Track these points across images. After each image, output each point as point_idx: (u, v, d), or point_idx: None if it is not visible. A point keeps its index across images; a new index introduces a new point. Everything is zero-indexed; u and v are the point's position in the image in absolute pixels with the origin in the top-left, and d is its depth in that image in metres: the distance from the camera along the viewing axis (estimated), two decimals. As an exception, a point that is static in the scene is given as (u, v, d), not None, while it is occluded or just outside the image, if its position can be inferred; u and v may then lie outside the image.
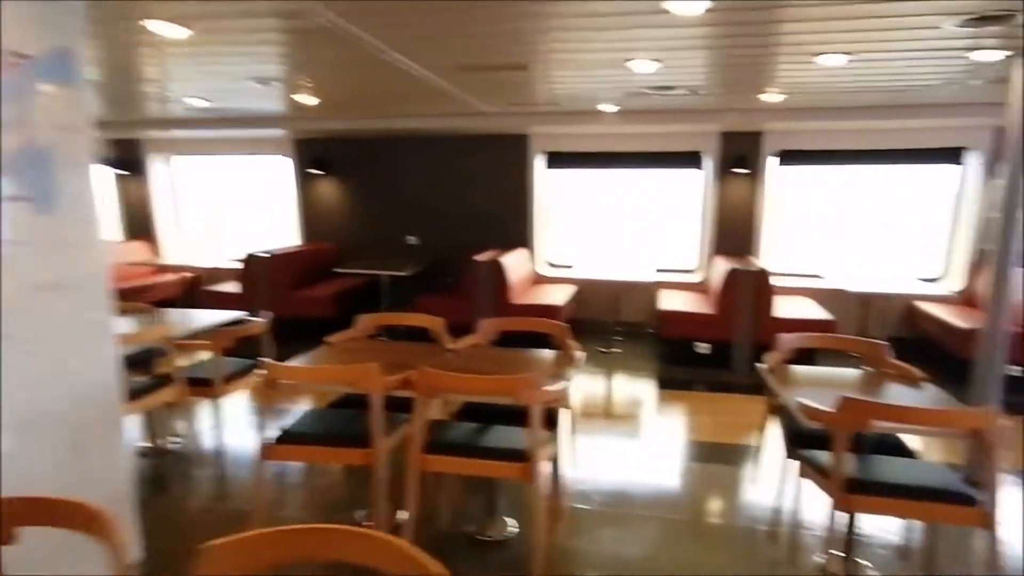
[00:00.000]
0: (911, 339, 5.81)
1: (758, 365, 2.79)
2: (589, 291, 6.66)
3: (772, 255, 6.49)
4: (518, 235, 6.99)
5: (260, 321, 3.81)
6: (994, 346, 3.30)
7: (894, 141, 5.90)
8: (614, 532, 2.91)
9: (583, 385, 5.24)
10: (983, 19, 2.62)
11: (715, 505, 3.25)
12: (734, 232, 6.44)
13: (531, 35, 3.15)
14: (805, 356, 3.04)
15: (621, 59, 3.55)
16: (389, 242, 7.32)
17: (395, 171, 7.20)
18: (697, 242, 6.78)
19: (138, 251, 7.76)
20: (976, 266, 5.84)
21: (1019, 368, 4.72)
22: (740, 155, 6.20)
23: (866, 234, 6.63)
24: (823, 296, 5.99)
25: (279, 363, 2.59)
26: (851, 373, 2.87)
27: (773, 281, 5.34)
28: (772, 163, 6.23)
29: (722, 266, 5.74)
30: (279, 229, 7.77)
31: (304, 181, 7.45)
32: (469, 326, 3.71)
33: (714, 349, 5.52)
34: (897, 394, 2.55)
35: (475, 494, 3.11)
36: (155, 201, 7.83)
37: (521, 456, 2.33)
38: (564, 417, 3.01)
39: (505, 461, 2.35)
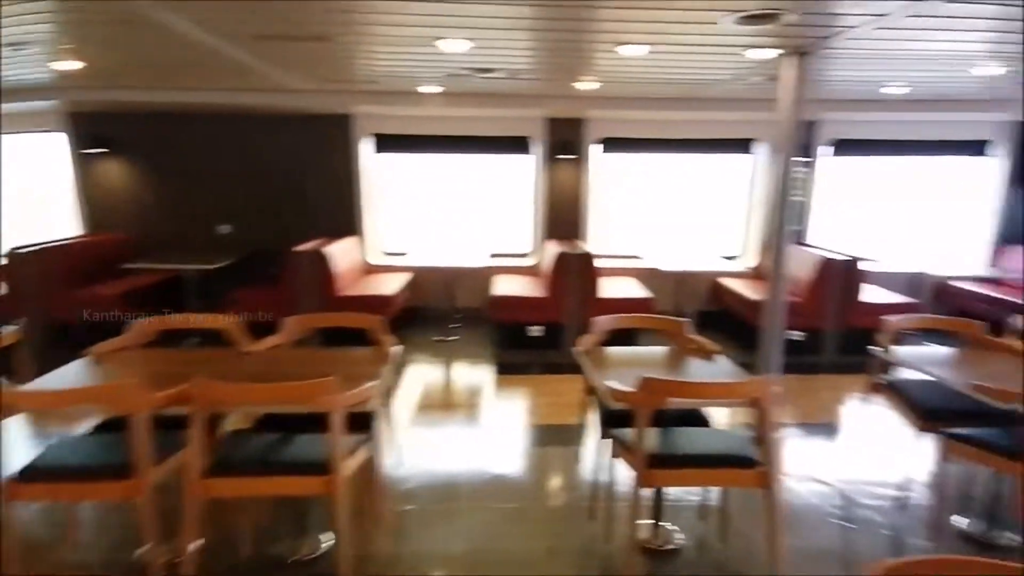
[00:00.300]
0: (716, 312, 6.44)
1: (574, 349, 2.82)
2: (425, 279, 6.49)
3: (599, 239, 6.80)
4: (347, 222, 6.59)
5: (10, 330, 3.13)
6: (775, 314, 3.69)
7: (698, 131, 6.43)
8: (441, 530, 2.80)
9: (422, 376, 5.08)
10: (754, 17, 2.84)
11: (543, 488, 3.29)
12: (563, 217, 6.63)
13: (330, 4, 2.86)
14: (626, 335, 3.14)
15: (431, 36, 3.39)
16: (197, 232, 6.53)
17: (201, 152, 6.41)
18: (530, 227, 6.90)
19: None
20: (767, 245, 6.61)
21: (799, 332, 5.41)
22: (566, 141, 6.37)
23: (678, 217, 7.20)
24: (643, 276, 6.39)
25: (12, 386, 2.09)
26: (658, 351, 3.02)
27: (598, 263, 5.57)
28: (595, 150, 6.49)
29: (553, 250, 5.88)
30: (56, 218, 6.60)
31: (82, 162, 6.36)
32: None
33: (547, 331, 5.65)
34: (695, 369, 2.72)
35: (284, 510, 2.82)
36: None
37: (322, 468, 2.11)
38: (388, 416, 2.85)
39: (303, 476, 2.12)
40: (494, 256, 6.53)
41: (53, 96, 5.49)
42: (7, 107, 5.76)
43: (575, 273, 5.50)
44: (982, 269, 6.37)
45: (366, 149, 6.54)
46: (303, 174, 6.49)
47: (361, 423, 2.38)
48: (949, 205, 6.91)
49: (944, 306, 6.09)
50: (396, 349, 2.85)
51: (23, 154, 6.67)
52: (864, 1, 2.62)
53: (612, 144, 6.52)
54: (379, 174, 6.81)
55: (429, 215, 7.16)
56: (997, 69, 4.00)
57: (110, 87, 5.28)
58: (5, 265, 5.28)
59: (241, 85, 5.21)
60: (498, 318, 5.71)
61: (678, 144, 6.56)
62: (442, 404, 4.54)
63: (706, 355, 2.79)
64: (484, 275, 6.34)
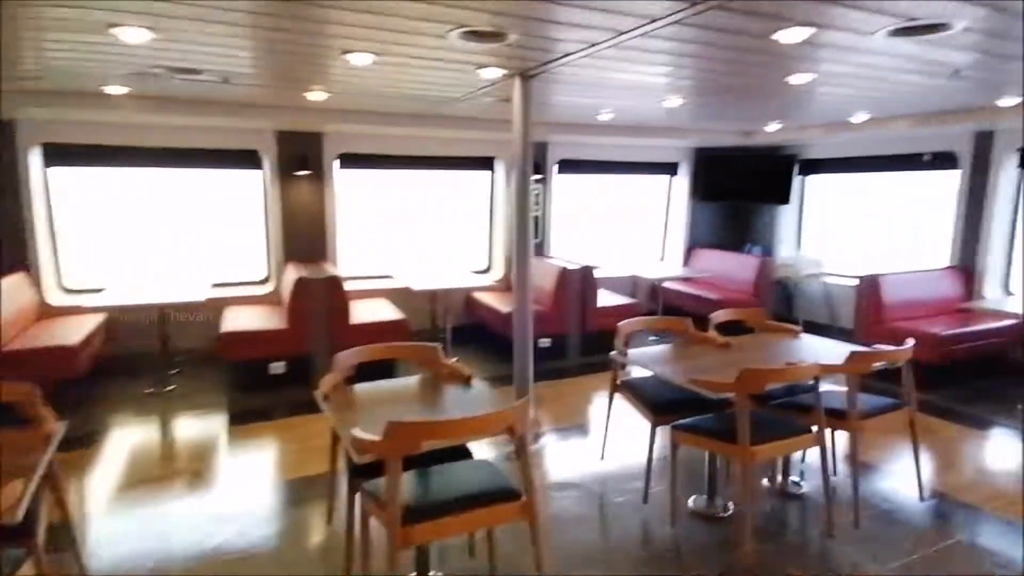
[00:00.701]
0: (472, 326, 6.51)
1: (315, 392, 2.43)
2: (129, 319, 5.31)
3: (347, 259, 6.37)
4: (12, 254, 5.09)
5: None
6: (523, 324, 3.74)
7: (440, 149, 6.44)
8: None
9: (125, 443, 4.08)
10: (479, 34, 2.80)
11: (291, 559, 2.80)
12: (303, 237, 6.06)
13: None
14: (380, 366, 2.83)
15: (103, 22, 2.69)
16: None
17: None
18: (263, 250, 6.17)
19: None
20: (511, 258, 6.92)
21: (546, 339, 5.71)
22: (302, 156, 5.83)
23: (427, 234, 7.15)
24: (396, 296, 6.15)
25: None
26: (412, 382, 2.78)
27: (347, 286, 5.17)
28: (335, 166, 6.07)
29: (292, 274, 5.30)
30: None
31: None
32: None
33: (291, 366, 5.04)
34: (451, 398, 2.54)
35: None
36: None
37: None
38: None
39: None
40: (218, 286, 5.67)
41: None
42: None
43: (320, 299, 5.02)
44: (679, 270, 7.53)
45: (33, 162, 5.14)
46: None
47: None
48: (654, 216, 8.08)
49: (656, 304, 7.03)
50: (57, 427, 2.14)
51: None
52: (578, 29, 2.75)
53: (351, 160, 6.17)
54: (61, 193, 5.42)
55: (133, 240, 5.94)
56: (677, 100, 4.69)
57: None
58: None
59: None
60: (231, 357, 4.93)
61: (420, 161, 6.49)
62: (157, 474, 3.67)
63: (463, 381, 2.64)
64: (208, 308, 5.42)
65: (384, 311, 5.67)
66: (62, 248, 5.53)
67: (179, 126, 5.40)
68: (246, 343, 4.89)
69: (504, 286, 6.69)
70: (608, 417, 3.64)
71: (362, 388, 2.61)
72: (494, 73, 3.60)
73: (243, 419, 4.48)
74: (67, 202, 5.52)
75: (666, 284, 7.05)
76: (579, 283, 5.95)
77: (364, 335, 5.16)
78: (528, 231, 3.58)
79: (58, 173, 5.38)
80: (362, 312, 5.42)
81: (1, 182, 4.98)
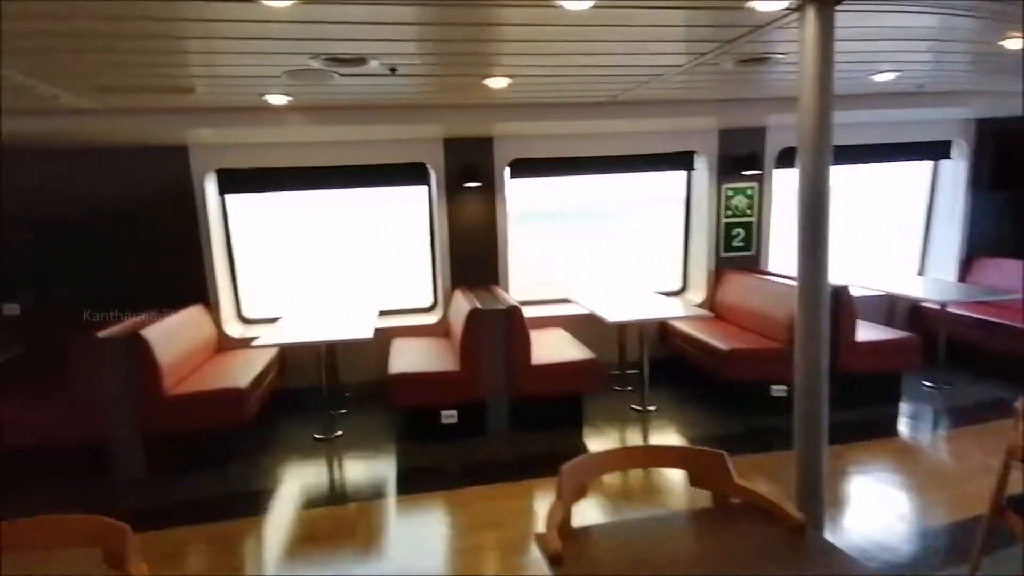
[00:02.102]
0: (664, 359, 5.32)
1: (539, 544, 1.47)
2: (298, 352, 4.89)
3: (516, 282, 5.55)
4: (192, 286, 4.93)
5: None
6: (815, 373, 2.43)
7: (626, 146, 5.36)
8: None
9: (292, 499, 3.54)
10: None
11: None
12: (472, 259, 5.31)
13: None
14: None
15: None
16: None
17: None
18: (429, 274, 5.54)
19: None
20: (717, 275, 5.62)
21: (781, 386, 4.35)
22: (471, 166, 5.09)
23: (599, 248, 6.14)
24: (575, 324, 5.19)
25: None
26: (679, 521, 1.72)
27: (525, 314, 4.30)
28: (506, 176, 5.27)
29: (463, 304, 4.55)
30: None
31: None
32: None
33: (463, 414, 4.26)
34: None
35: None
36: None
37: None
38: None
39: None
40: (385, 314, 5.12)
41: None
42: None
43: (496, 334, 4.19)
44: (961, 288, 5.51)
45: (209, 189, 4.94)
46: (129, 227, 4.78)
47: None
48: (897, 214, 6.28)
49: (931, 335, 5.13)
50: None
51: None
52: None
53: (524, 167, 5.31)
54: (232, 221, 5.22)
55: (301, 267, 5.64)
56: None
57: None
58: None
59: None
60: (400, 403, 4.26)
61: (603, 163, 5.45)
62: (325, 537, 3.01)
63: (782, 524, 1.52)
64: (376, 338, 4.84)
65: (566, 346, 4.71)
66: (241, 277, 5.32)
67: (344, 143, 4.93)
68: (416, 388, 4.19)
69: (709, 313, 5.38)
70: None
71: (606, 531, 1.60)
72: (773, 5, 2.42)
73: (412, 481, 3.77)
74: (238, 228, 5.31)
75: (932, 308, 5.28)
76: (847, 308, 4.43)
77: (548, 378, 4.25)
78: (825, 237, 2.34)
79: (232, 200, 5.17)
80: (542, 347, 4.49)
81: (180, 210, 4.82)
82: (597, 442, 4.25)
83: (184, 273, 4.90)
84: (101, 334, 3.81)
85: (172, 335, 4.21)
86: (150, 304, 4.67)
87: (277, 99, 3.74)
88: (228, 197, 5.12)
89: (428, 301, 5.58)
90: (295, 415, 4.79)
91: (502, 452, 4.05)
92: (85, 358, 3.76)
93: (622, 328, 5.19)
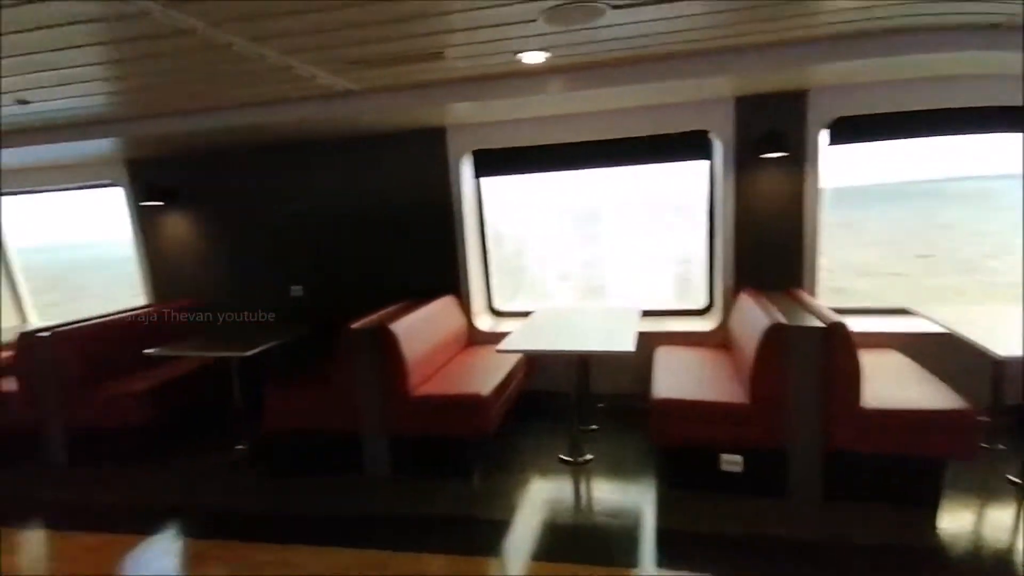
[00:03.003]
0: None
1: None
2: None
3: (823, 283, 4.17)
4: (445, 276, 4.73)
5: None
6: None
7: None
8: None
9: (528, 533, 2.94)
10: None
11: None
12: (767, 253, 4.09)
13: None
14: None
15: None
16: (267, 295, 5.09)
17: (268, 194, 4.99)
18: (705, 269, 4.48)
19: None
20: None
21: None
22: (771, 132, 3.87)
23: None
24: (912, 344, 3.66)
25: None
26: None
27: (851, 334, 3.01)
28: (821, 141, 3.91)
29: (754, 313, 3.43)
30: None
31: (143, 217, 5.27)
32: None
33: (753, 462, 3.17)
34: None
35: None
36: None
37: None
38: None
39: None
40: (649, 315, 4.25)
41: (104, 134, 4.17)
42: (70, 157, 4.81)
43: (808, 360, 2.99)
44: None
45: (466, 174, 4.64)
46: (387, 213, 4.77)
47: None
48: None
49: None
50: None
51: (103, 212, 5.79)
52: None
53: (852, 128, 3.88)
54: (485, 206, 4.87)
55: (553, 257, 5.07)
56: None
57: (148, 115, 3.96)
58: (14, 354, 4.17)
59: (296, 92, 3.57)
60: (663, 439, 3.34)
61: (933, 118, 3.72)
62: None
63: None
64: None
65: (915, 384, 3.24)
66: (493, 267, 4.98)
67: (607, 113, 4.15)
68: (686, 420, 3.23)
69: None
70: None
71: None
72: None
73: (677, 549, 2.84)
74: (492, 213, 4.95)
75: None
76: None
77: (888, 430, 2.91)
78: None
79: (486, 184, 4.81)
80: (876, 381, 3.13)
81: (435, 199, 4.61)
82: (963, 530, 2.79)
83: (438, 262, 4.71)
84: (355, 325, 3.69)
85: (421, 328, 3.96)
86: (406, 293, 4.57)
87: (533, 56, 3.09)
88: (483, 180, 4.78)
89: (702, 302, 4.55)
90: (541, 424, 4.25)
91: (806, 527, 2.88)
92: (344, 348, 3.67)
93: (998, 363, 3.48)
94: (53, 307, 6.25)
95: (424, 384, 3.76)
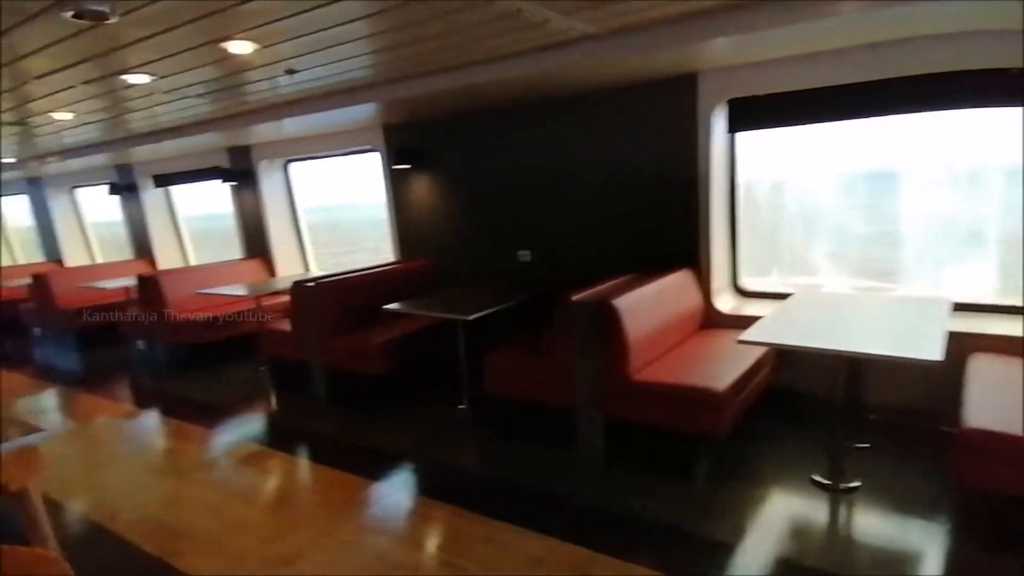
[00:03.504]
0: None
1: None
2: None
3: None
4: (681, 245, 4.18)
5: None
6: None
7: None
8: None
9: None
10: None
11: None
12: None
13: None
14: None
15: None
16: (497, 259, 5.12)
17: (501, 154, 4.95)
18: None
19: (255, 271, 6.85)
20: None
21: None
22: None
23: None
24: None
25: None
26: None
27: None
28: None
29: None
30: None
31: (394, 181, 5.66)
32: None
33: None
34: None
35: None
36: (268, 213, 6.81)
37: None
38: None
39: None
40: (962, 308, 3.19)
41: (371, 98, 4.37)
42: (339, 124, 5.35)
43: None
44: None
45: (717, 128, 3.98)
46: (622, 174, 4.37)
47: None
48: None
49: None
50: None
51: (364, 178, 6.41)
52: None
53: None
54: (738, 165, 4.15)
55: (823, 228, 4.14)
56: None
57: (398, 78, 4.12)
58: (290, 301, 4.78)
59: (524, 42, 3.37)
60: (972, 483, 2.41)
61: None
62: None
63: None
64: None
65: None
66: (742, 238, 4.26)
67: (898, 43, 3.11)
68: (1013, 463, 2.27)
69: None
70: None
71: None
72: None
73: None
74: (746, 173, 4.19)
75: None
76: None
77: None
78: None
79: (742, 139, 4.08)
80: None
81: (679, 155, 4.04)
82: None
83: (676, 230, 4.17)
84: (576, 297, 3.40)
85: (649, 305, 3.51)
86: (636, 264, 4.15)
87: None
88: (738, 136, 4.05)
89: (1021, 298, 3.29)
90: (789, 431, 3.52)
91: None
92: (562, 319, 3.42)
93: None
94: (330, 258, 7.18)
95: (647, 368, 3.32)
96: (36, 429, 2.11)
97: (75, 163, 7.38)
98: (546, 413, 3.58)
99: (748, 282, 4.31)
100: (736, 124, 3.95)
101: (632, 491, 3.02)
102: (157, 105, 4.54)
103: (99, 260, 9.24)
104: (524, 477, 3.25)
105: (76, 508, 3.20)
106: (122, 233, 8.44)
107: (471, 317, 3.80)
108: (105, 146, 6.43)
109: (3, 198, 9.94)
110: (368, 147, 5.76)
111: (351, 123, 5.33)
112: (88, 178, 8.46)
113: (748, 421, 3.37)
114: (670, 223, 4.19)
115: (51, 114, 4.59)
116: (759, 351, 3.45)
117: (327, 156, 6.33)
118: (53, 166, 7.68)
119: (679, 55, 3.42)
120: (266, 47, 3.15)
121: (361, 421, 4.20)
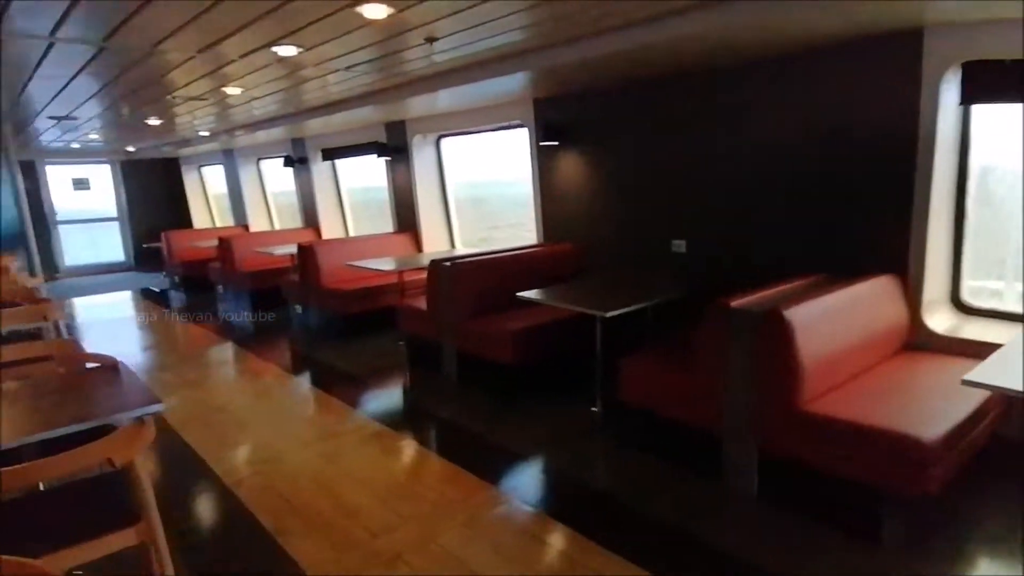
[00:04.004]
0: None
1: None
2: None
3: None
4: (883, 244, 3.36)
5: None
6: None
7: None
8: None
9: None
10: None
11: None
12: None
13: None
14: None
15: None
16: (649, 248, 4.59)
17: (656, 129, 4.39)
18: None
19: (403, 245, 6.97)
20: None
21: None
22: None
23: None
24: None
25: None
26: None
27: None
28: None
29: None
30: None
31: (542, 158, 5.32)
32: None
33: None
34: None
35: None
36: (418, 188, 6.86)
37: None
38: None
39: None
40: None
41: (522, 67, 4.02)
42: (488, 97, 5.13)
43: None
44: None
45: (947, 98, 3.09)
46: (806, 153, 3.62)
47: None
48: None
49: None
50: None
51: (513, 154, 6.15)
52: None
53: None
54: (972, 145, 3.21)
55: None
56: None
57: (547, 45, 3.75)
58: (427, 279, 4.68)
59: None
60: None
61: None
62: None
63: None
64: None
65: None
66: (969, 239, 3.33)
67: None
68: None
69: None
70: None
71: None
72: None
73: None
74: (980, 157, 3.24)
75: None
76: None
77: None
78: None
79: (978, 112, 3.14)
80: None
81: (893, 132, 3.22)
82: None
83: (876, 225, 3.36)
84: (736, 301, 2.81)
85: (832, 317, 2.82)
86: (816, 265, 3.42)
87: None
88: (974, 108, 3.13)
89: None
90: (1009, 489, 2.66)
91: None
92: (715, 327, 2.86)
93: None
94: (472, 234, 7.09)
95: (824, 397, 2.66)
96: (155, 400, 2.09)
97: (260, 135, 8.03)
98: (688, 431, 3.06)
99: (973, 296, 3.36)
100: (972, 94, 3.01)
101: (793, 546, 2.44)
102: (310, 80, 4.62)
103: (277, 227, 10.11)
104: (656, 506, 2.79)
105: (210, 469, 3.33)
106: (295, 203, 9.11)
107: (609, 314, 3.37)
108: (281, 120, 6.85)
109: (205, 168, 11.27)
110: (517, 122, 5.48)
111: (501, 95, 5.08)
112: (269, 151, 9.21)
113: (966, 476, 2.58)
114: (870, 216, 3.38)
115: (223, 89, 4.90)
116: (980, 398, 2.62)
117: (477, 131, 6.17)
118: (242, 139, 8.44)
119: (897, 6, 2.64)
120: (400, 11, 2.93)
121: (489, 410, 3.99)
